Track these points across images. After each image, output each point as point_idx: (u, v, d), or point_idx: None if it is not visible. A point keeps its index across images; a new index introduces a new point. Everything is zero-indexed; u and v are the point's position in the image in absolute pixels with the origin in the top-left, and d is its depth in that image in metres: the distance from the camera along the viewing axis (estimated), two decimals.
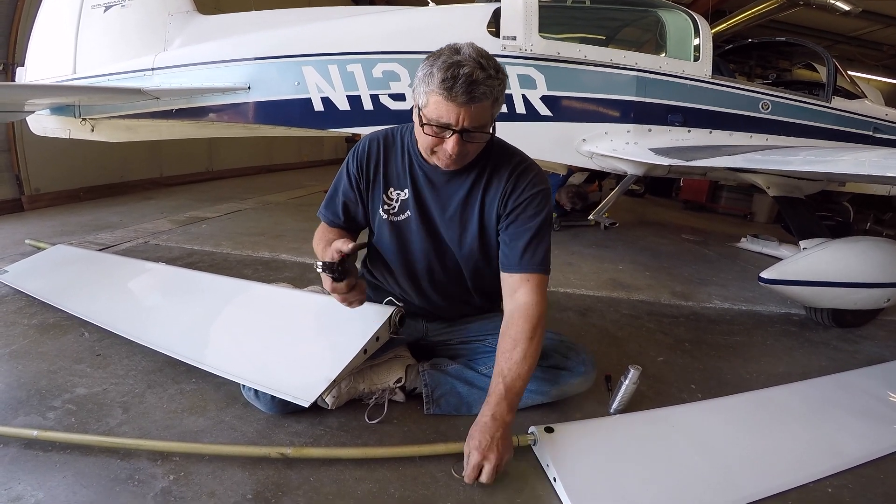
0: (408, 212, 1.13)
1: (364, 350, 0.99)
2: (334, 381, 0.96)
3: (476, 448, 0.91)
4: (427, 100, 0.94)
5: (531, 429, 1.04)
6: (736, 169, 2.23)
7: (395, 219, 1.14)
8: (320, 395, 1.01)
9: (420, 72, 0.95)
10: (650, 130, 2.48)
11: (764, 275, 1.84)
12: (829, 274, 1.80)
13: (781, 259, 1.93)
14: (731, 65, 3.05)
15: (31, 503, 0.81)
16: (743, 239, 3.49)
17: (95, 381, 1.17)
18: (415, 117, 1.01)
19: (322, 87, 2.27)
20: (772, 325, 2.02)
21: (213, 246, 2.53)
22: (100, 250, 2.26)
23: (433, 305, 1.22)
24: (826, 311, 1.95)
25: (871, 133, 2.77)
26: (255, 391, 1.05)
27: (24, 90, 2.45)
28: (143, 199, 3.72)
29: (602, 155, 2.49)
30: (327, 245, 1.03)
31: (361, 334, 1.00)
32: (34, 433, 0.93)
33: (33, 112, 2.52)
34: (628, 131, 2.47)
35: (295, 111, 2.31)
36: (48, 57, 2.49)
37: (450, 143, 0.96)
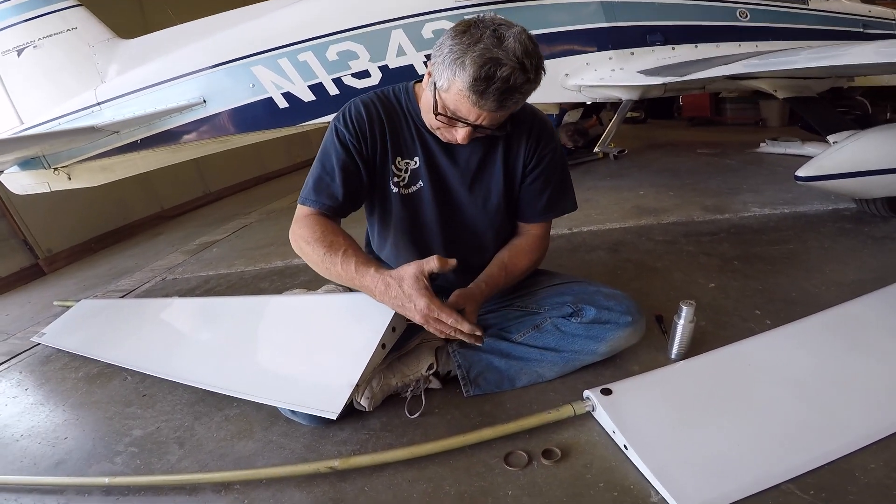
0: (419, 182, 1.03)
1: (382, 345, 0.93)
2: (357, 384, 0.91)
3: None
4: (449, 87, 0.82)
5: (586, 393, 0.94)
6: (737, 77, 2.09)
7: (406, 191, 1.04)
8: (355, 400, 0.98)
9: (447, 49, 0.80)
10: (633, 54, 2.40)
11: (800, 173, 1.71)
12: (874, 162, 1.68)
13: (810, 157, 1.80)
14: None
15: None
16: (763, 143, 3.30)
17: (148, 421, 1.21)
18: (427, 90, 0.90)
19: (279, 83, 2.16)
20: (823, 224, 1.84)
21: (226, 267, 2.53)
22: (122, 296, 2.30)
23: (451, 283, 1.14)
24: (880, 200, 1.82)
25: (861, 30, 2.68)
26: None
27: None
28: (152, 237, 3.74)
29: (590, 86, 2.41)
30: (341, 254, 0.93)
31: (377, 329, 0.93)
32: (106, 480, 0.98)
33: (1, 171, 2.45)
34: (610, 58, 2.39)
35: (259, 114, 2.22)
36: None
37: (460, 133, 0.88)
